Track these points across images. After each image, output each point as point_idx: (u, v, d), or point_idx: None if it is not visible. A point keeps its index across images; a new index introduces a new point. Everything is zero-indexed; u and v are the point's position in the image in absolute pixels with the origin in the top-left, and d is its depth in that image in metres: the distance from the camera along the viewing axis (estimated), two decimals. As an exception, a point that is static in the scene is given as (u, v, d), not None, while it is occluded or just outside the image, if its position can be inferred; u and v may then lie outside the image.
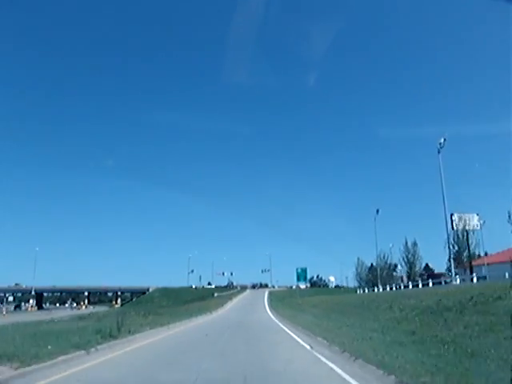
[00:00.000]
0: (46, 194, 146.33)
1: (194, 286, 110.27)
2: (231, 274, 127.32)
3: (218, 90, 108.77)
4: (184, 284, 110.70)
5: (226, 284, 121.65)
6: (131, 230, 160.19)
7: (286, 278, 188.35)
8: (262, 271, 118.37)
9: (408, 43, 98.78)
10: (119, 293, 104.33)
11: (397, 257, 71.81)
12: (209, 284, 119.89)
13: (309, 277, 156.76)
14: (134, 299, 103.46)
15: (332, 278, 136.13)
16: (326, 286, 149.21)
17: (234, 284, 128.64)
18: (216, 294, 68.15)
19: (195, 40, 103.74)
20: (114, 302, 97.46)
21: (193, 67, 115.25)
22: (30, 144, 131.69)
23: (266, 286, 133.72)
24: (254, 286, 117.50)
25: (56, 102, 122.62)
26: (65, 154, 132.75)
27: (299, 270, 68.89)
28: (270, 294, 72.59)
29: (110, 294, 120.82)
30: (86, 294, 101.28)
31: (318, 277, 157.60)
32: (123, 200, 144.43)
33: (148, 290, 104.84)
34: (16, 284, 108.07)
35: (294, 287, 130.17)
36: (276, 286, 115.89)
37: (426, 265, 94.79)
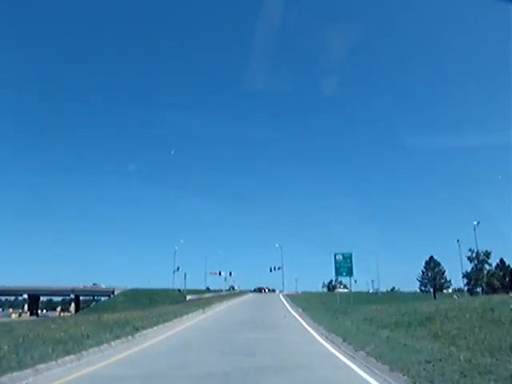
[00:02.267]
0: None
1: (179, 289, 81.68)
2: (230, 274, 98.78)
3: (237, 95, 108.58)
4: (169, 285, 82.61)
5: (225, 287, 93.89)
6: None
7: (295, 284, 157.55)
8: (271, 269, 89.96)
9: (424, 48, 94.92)
10: (72, 295, 76.14)
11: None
12: (207, 289, 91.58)
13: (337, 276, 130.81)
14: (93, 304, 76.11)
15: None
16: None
17: (236, 288, 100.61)
18: (189, 298, 40.45)
19: (216, 46, 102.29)
20: (59, 309, 69.21)
21: (213, 72, 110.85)
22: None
23: (274, 290, 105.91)
24: (259, 290, 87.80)
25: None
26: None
27: (340, 258, 40.69)
28: (289, 299, 43.38)
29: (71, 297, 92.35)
30: (26, 296, 73.11)
31: (336, 280, 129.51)
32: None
33: (113, 292, 77.27)
34: None
35: (307, 291, 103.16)
36: (282, 291, 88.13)
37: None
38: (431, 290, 66.28)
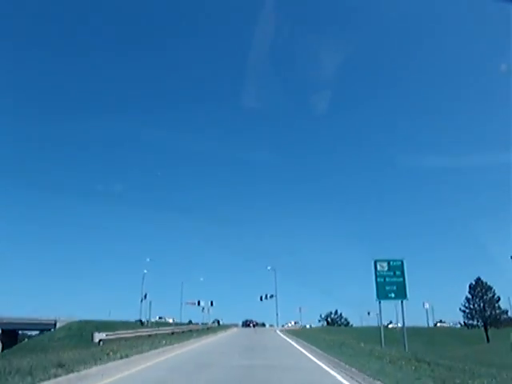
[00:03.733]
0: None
1: (144, 321, 63.38)
2: (211, 303, 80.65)
3: (228, 112, 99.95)
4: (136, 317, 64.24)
5: (208, 320, 75.65)
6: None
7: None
8: (262, 298, 72.43)
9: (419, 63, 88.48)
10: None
11: None
12: (189, 322, 73.08)
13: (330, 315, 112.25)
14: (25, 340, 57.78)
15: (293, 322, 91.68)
16: (347, 325, 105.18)
17: (221, 322, 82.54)
18: (99, 336, 22.20)
19: (208, 63, 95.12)
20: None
21: (203, 89, 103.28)
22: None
23: (264, 325, 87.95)
24: (247, 324, 69.54)
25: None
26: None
27: (383, 268, 24.61)
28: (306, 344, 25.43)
29: None
30: None
31: (336, 313, 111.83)
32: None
33: (55, 325, 58.82)
34: None
35: (307, 326, 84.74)
36: (277, 325, 70.35)
37: None
38: (480, 324, 49.76)
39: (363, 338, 41.75)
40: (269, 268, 73.07)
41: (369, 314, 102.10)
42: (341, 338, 27.68)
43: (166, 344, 17.26)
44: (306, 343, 22.16)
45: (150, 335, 23.21)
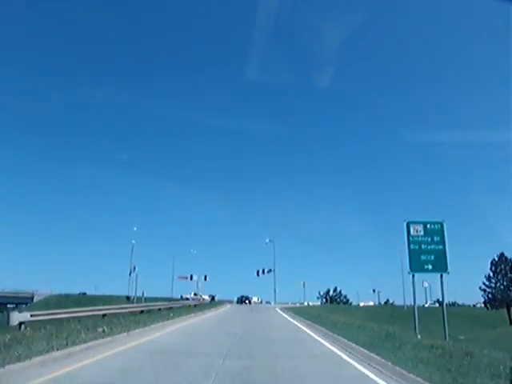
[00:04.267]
0: None
1: (128, 296, 58.36)
2: (205, 278, 75.65)
3: (232, 86, 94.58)
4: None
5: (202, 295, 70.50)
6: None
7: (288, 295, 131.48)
8: (259, 273, 67.02)
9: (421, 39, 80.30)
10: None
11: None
12: (181, 297, 67.90)
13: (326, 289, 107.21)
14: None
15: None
16: (346, 302, 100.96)
17: (216, 297, 77.88)
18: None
19: (211, 35, 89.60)
20: None
21: (207, 63, 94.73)
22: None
23: (268, 302, 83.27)
24: (242, 300, 64.22)
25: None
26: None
27: (418, 232, 18.50)
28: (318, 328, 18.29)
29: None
30: None
31: (335, 290, 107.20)
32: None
33: (32, 298, 54.04)
34: None
35: (308, 303, 79.72)
36: (273, 303, 65.25)
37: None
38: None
39: (378, 318, 36.30)
40: (267, 241, 67.45)
41: (374, 291, 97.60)
42: (357, 321, 21.93)
43: (107, 333, 11.34)
44: (322, 329, 16.32)
45: (104, 315, 17.38)
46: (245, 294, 67.06)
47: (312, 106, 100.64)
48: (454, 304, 74.53)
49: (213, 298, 77.42)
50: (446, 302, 20.84)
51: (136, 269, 67.41)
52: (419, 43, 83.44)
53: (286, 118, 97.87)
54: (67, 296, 54.25)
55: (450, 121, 79.28)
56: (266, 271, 65.03)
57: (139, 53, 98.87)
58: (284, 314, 30.21)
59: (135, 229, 67.63)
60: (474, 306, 68.02)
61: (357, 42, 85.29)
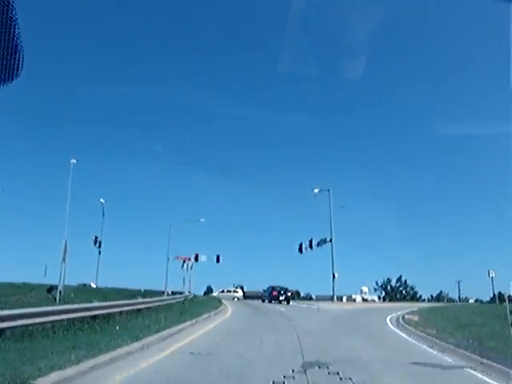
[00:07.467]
0: None
1: (51, 286, 33.83)
2: (217, 259, 49.55)
3: (262, 77, 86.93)
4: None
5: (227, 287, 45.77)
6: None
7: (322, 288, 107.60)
8: (301, 249, 40.03)
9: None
10: None
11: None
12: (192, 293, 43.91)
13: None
14: None
15: (365, 289, 64.29)
16: (414, 296, 77.54)
17: (234, 288, 53.39)
18: None
19: (241, 29, 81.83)
20: None
21: (237, 55, 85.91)
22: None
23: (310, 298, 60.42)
24: (273, 295, 37.09)
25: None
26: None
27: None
28: None
29: None
30: None
31: (399, 280, 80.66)
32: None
33: None
34: None
35: (363, 298, 52.55)
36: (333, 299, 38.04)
37: None
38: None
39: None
40: (316, 191, 40.37)
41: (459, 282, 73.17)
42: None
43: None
44: None
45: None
46: (276, 283, 39.24)
47: (342, 97, 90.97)
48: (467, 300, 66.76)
49: (241, 287, 55.31)
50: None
51: (100, 243, 43.62)
52: (447, 36, 72.79)
53: (316, 109, 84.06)
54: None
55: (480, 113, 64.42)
56: (317, 243, 37.51)
57: (174, 50, 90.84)
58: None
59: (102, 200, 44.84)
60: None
61: (388, 32, 74.68)
